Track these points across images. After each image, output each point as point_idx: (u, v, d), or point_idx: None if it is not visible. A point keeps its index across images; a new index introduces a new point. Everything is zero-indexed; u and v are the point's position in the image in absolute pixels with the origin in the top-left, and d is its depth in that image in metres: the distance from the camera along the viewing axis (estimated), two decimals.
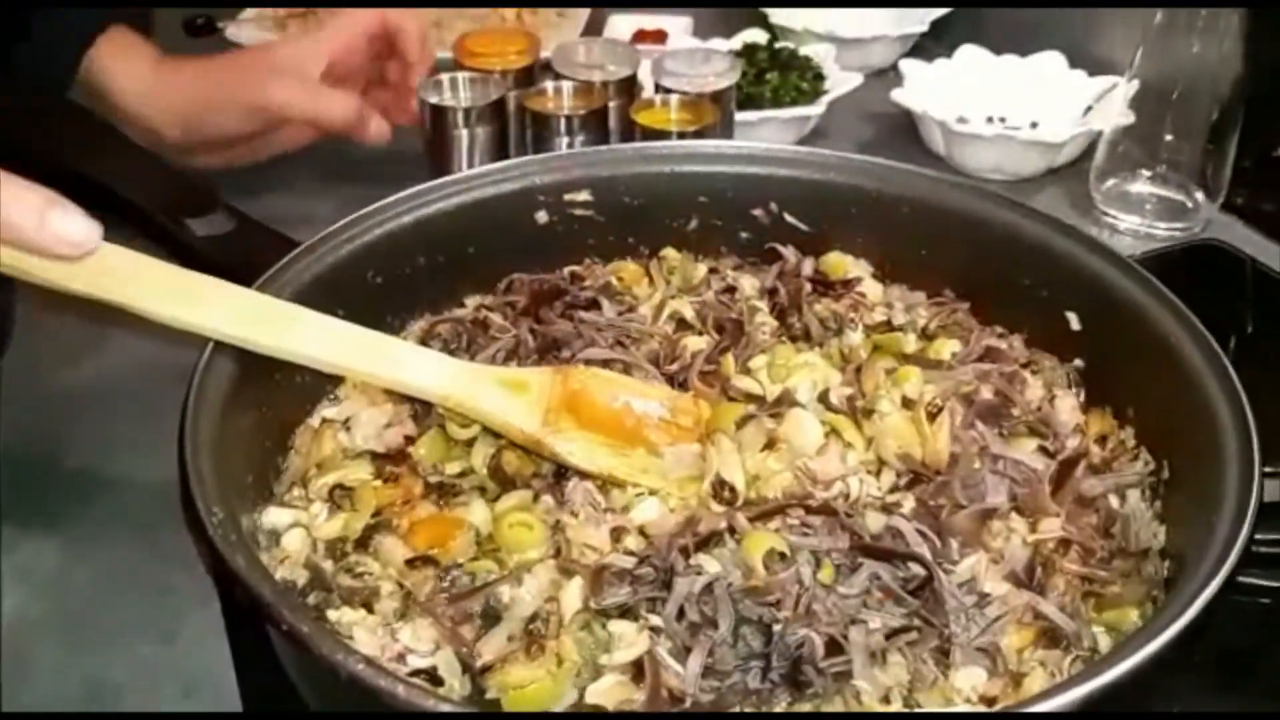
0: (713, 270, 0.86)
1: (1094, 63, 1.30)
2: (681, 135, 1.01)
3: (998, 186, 1.10)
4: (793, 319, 0.81)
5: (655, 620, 0.59)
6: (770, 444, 0.69)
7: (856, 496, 0.66)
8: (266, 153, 1.14)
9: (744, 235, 0.87)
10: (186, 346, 0.65)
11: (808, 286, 0.82)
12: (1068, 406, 0.74)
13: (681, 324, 0.80)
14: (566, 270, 0.85)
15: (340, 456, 0.71)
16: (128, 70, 1.08)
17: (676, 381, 0.75)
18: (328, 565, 0.64)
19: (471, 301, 0.83)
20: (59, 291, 0.63)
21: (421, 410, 0.73)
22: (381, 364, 0.70)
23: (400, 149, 1.15)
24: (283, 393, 0.70)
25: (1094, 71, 1.28)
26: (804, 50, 1.33)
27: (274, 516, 0.67)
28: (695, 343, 0.78)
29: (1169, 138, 1.13)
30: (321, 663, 0.48)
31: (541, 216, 0.84)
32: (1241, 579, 0.68)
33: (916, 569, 0.61)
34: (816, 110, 1.26)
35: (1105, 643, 0.61)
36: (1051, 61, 1.31)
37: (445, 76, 1.08)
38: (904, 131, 1.28)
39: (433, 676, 0.59)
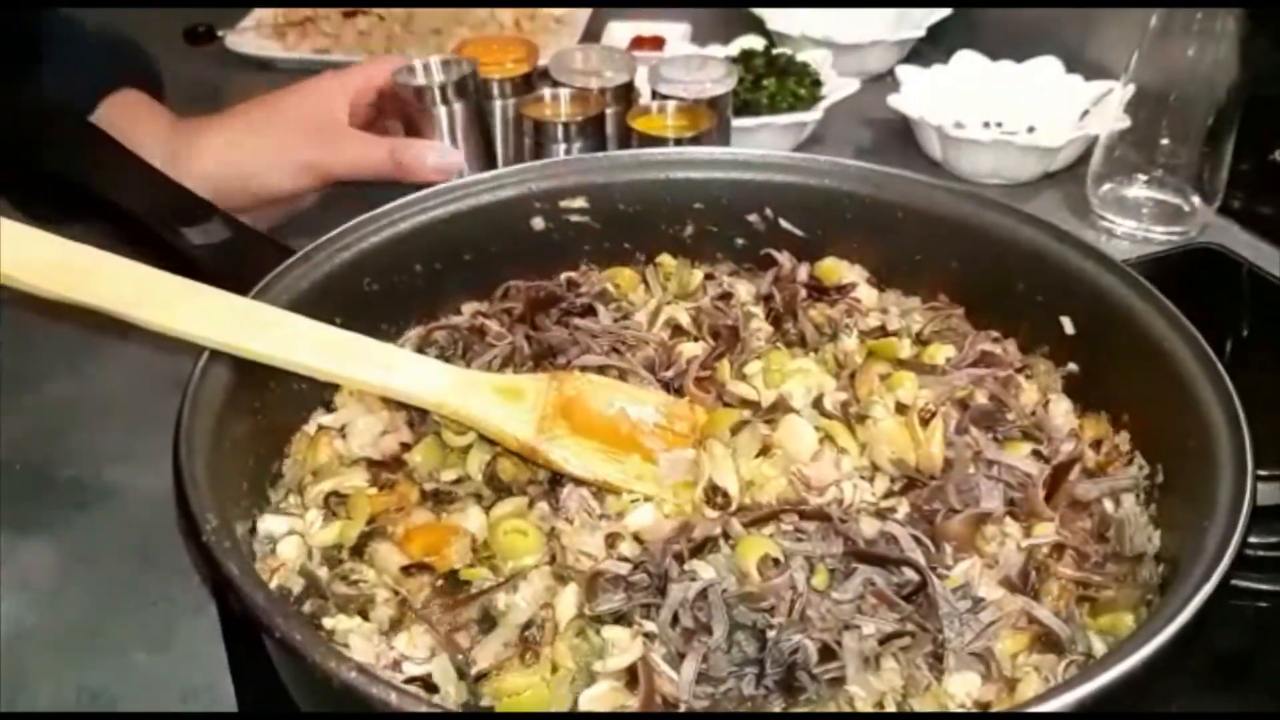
0: (708, 276, 0.86)
1: (1090, 67, 1.30)
2: (678, 141, 1.01)
3: (994, 191, 1.11)
4: (788, 325, 0.81)
5: (650, 626, 0.59)
6: (765, 450, 0.69)
7: (850, 502, 0.66)
8: (307, 202, 1.10)
9: (740, 241, 0.87)
10: (182, 355, 0.66)
11: (803, 292, 0.83)
12: (1062, 411, 0.74)
13: (677, 330, 0.81)
14: (563, 277, 0.85)
15: (336, 464, 0.71)
16: (146, 135, 1.03)
17: (672, 387, 0.75)
18: (323, 573, 0.65)
19: (468, 308, 0.83)
20: (55, 301, 0.64)
21: (417, 417, 0.73)
22: (377, 371, 0.70)
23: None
24: (278, 400, 0.70)
25: (1090, 76, 1.29)
26: (801, 56, 1.34)
27: (269, 524, 0.67)
28: (691, 349, 0.78)
29: (1165, 142, 1.13)
30: (315, 671, 0.49)
31: (538, 223, 0.84)
32: (1237, 583, 0.68)
33: (910, 574, 0.61)
34: (814, 116, 1.26)
35: (1100, 647, 0.61)
36: (1048, 66, 1.32)
37: (418, 62, 1.08)
38: (901, 137, 1.29)
39: (428, 684, 0.59)
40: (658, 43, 1.45)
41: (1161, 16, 1.09)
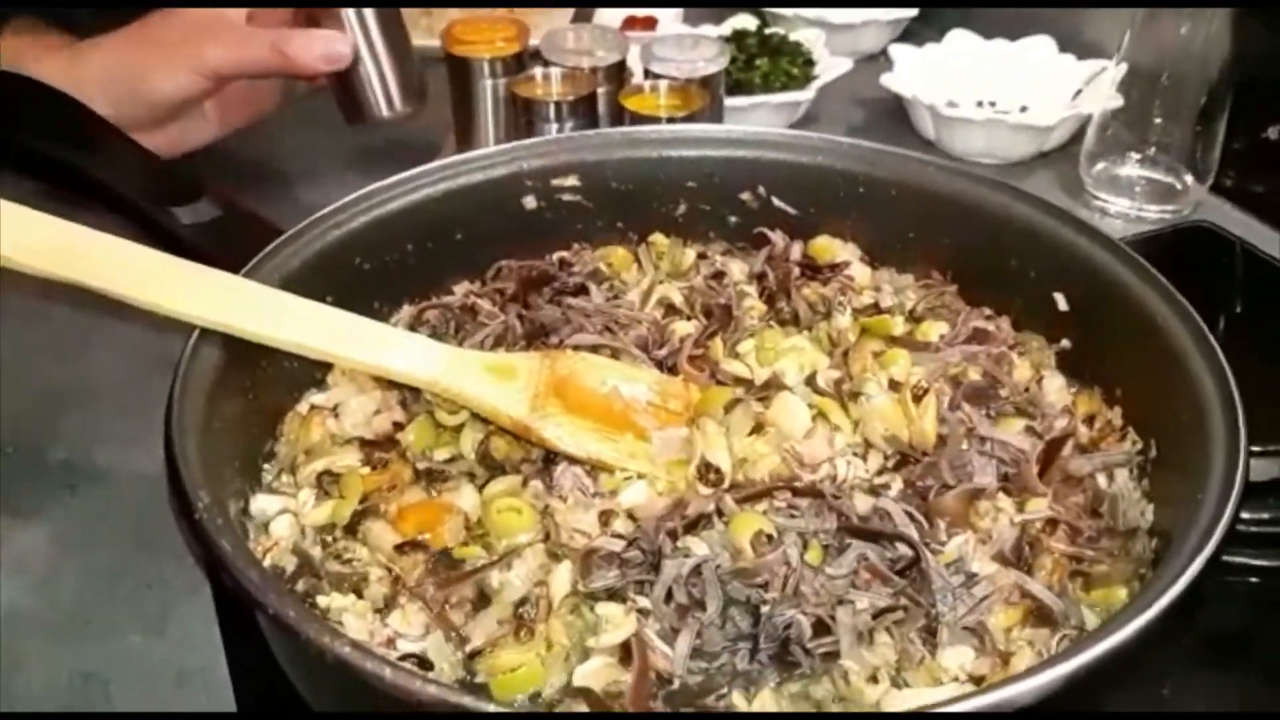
0: (701, 255, 0.86)
1: (1083, 47, 1.30)
2: (671, 121, 1.01)
3: (988, 171, 1.10)
4: (781, 303, 0.81)
5: (643, 602, 0.60)
6: (758, 427, 0.69)
7: (844, 479, 0.66)
8: (209, 133, 1.08)
9: (732, 220, 0.87)
10: (173, 337, 0.65)
11: (796, 270, 0.83)
12: (1055, 387, 0.74)
13: (670, 309, 0.81)
14: (555, 256, 0.85)
15: (329, 443, 0.71)
16: (42, 52, 1.02)
17: (665, 366, 0.75)
18: (316, 551, 0.64)
19: (460, 288, 0.83)
20: (47, 281, 0.63)
21: (410, 397, 0.73)
22: (369, 350, 0.69)
23: (390, 137, 1.14)
24: (270, 380, 0.70)
25: (1083, 55, 1.28)
26: (794, 36, 1.33)
27: (262, 503, 0.67)
28: (684, 327, 0.78)
29: (1158, 120, 1.13)
30: (309, 647, 0.48)
31: (530, 202, 0.84)
32: (1229, 558, 0.69)
33: (904, 549, 0.61)
34: (807, 95, 1.26)
35: (1093, 621, 0.61)
36: (1041, 46, 1.31)
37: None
38: (894, 116, 1.28)
39: (422, 661, 0.59)
40: (650, 23, 1.44)
41: None
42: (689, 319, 0.79)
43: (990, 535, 0.64)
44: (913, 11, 1.44)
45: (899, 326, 0.78)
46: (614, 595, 0.61)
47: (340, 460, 0.69)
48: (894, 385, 0.70)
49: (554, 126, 1.03)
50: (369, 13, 1.02)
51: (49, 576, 0.77)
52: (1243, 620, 0.75)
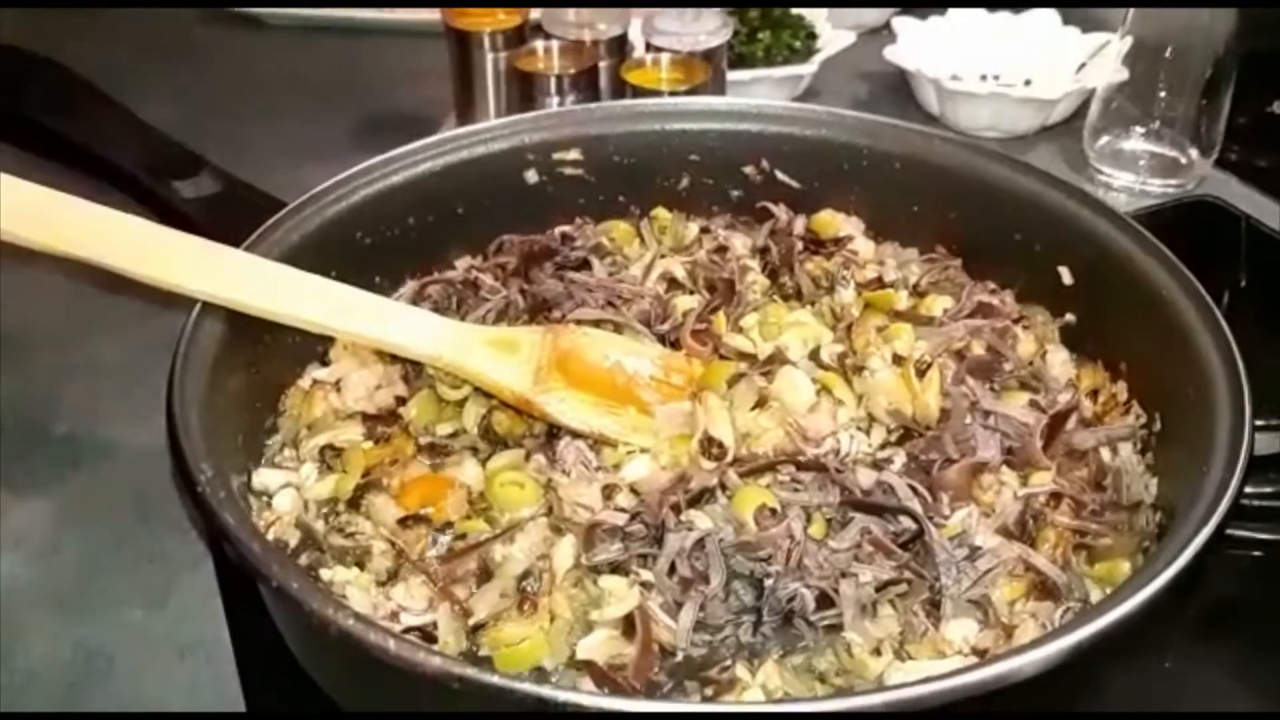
0: (704, 229, 0.86)
1: (1088, 20, 1.29)
2: (673, 94, 1.00)
3: (992, 144, 1.09)
4: (784, 277, 0.80)
5: (646, 576, 0.60)
6: (762, 402, 0.69)
7: (847, 452, 0.66)
8: None
9: (735, 194, 0.87)
10: (175, 312, 0.65)
11: (799, 245, 0.82)
12: (1059, 361, 0.74)
13: (673, 283, 0.80)
14: (557, 230, 0.84)
15: (331, 417, 0.71)
16: None
17: (668, 340, 0.75)
18: (319, 525, 0.65)
19: (461, 262, 0.83)
20: (47, 256, 0.63)
21: (412, 371, 0.73)
22: (371, 324, 0.69)
23: (393, 111, 1.14)
24: (272, 354, 0.70)
25: (1088, 28, 1.27)
26: (796, 9, 1.32)
27: (265, 477, 0.67)
28: (686, 302, 0.78)
29: (1163, 94, 1.12)
30: (313, 619, 0.48)
31: (531, 176, 0.84)
32: (1233, 532, 0.68)
33: (907, 523, 0.61)
34: (809, 69, 1.25)
35: (1097, 594, 0.61)
36: (1045, 18, 1.30)
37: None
38: (897, 90, 1.27)
39: (426, 634, 0.59)
40: None
41: None
42: (691, 293, 0.79)
43: (994, 509, 0.64)
44: None
45: (903, 301, 0.78)
46: (617, 569, 0.61)
47: (343, 435, 0.69)
48: (898, 359, 0.70)
49: (555, 100, 1.03)
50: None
51: (51, 550, 0.77)
52: (1246, 593, 0.75)
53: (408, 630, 0.58)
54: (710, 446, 0.66)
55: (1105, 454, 0.68)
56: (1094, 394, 0.72)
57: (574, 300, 0.76)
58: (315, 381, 0.73)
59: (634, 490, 0.65)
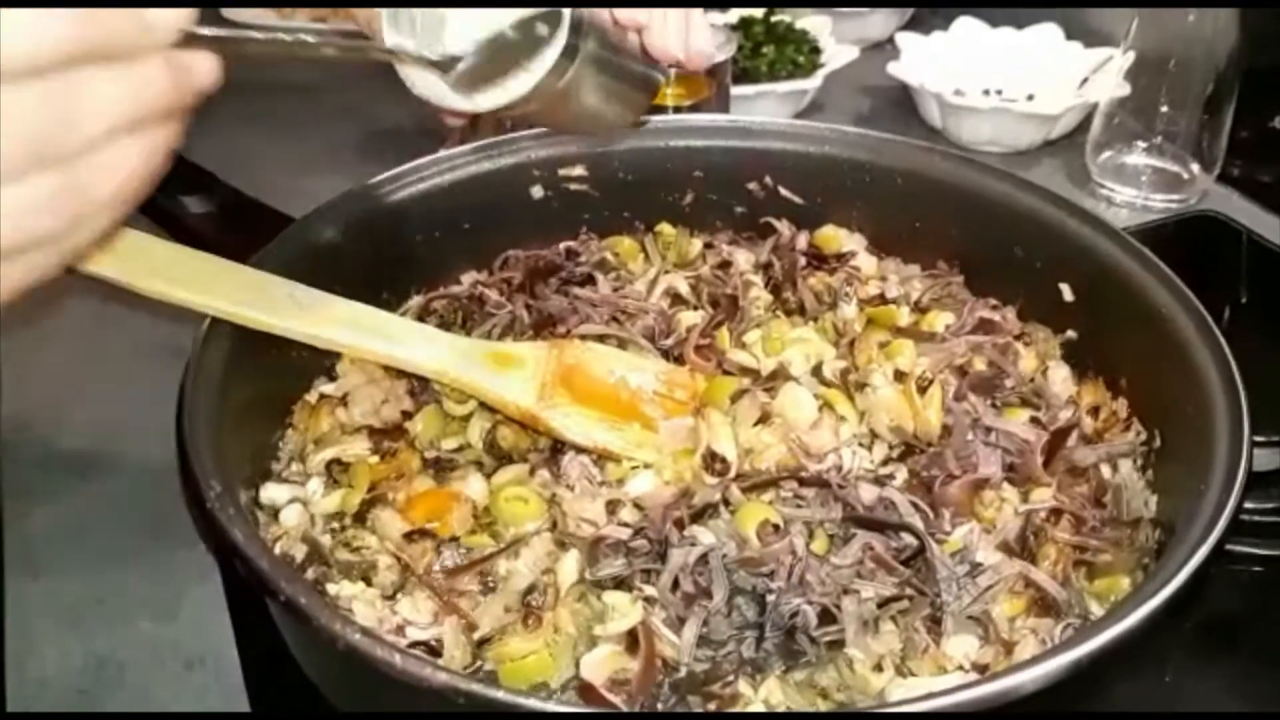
0: (708, 245, 0.86)
1: (1090, 35, 1.30)
2: (677, 110, 1.01)
3: (994, 159, 1.10)
4: (787, 293, 0.81)
5: (650, 591, 0.60)
6: (764, 417, 0.70)
7: (849, 469, 0.67)
8: None
9: (739, 209, 0.87)
10: (182, 325, 0.66)
11: (802, 260, 0.83)
12: (1060, 378, 0.74)
13: (676, 299, 0.81)
14: (562, 246, 0.85)
15: (338, 432, 0.71)
16: None
17: (672, 356, 0.76)
18: (326, 539, 0.65)
19: (467, 278, 0.83)
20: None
21: (418, 386, 0.73)
22: (378, 340, 0.70)
23: (398, 127, 1.15)
24: (280, 369, 0.71)
25: (1090, 43, 1.28)
26: (800, 23, 1.33)
27: (272, 492, 0.67)
28: (690, 317, 0.78)
29: (1165, 109, 1.13)
30: (320, 633, 0.49)
31: (537, 192, 0.84)
32: (1233, 547, 0.69)
33: (909, 539, 0.62)
34: (813, 84, 1.25)
35: (1097, 611, 0.62)
36: (1048, 34, 1.31)
37: None
38: (900, 104, 1.28)
39: (431, 648, 0.60)
40: None
41: None
42: (695, 309, 0.80)
43: (995, 525, 0.64)
44: None
45: (905, 317, 0.78)
46: (621, 584, 0.61)
47: (349, 449, 0.70)
48: (900, 376, 0.71)
49: None
50: None
51: (61, 562, 0.78)
52: (1246, 608, 0.75)
53: (414, 644, 0.59)
54: (713, 462, 0.66)
55: (1105, 470, 0.69)
56: (1095, 411, 0.73)
57: (579, 315, 0.77)
58: (322, 396, 0.73)
59: (638, 505, 0.66)
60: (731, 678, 0.57)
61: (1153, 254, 0.73)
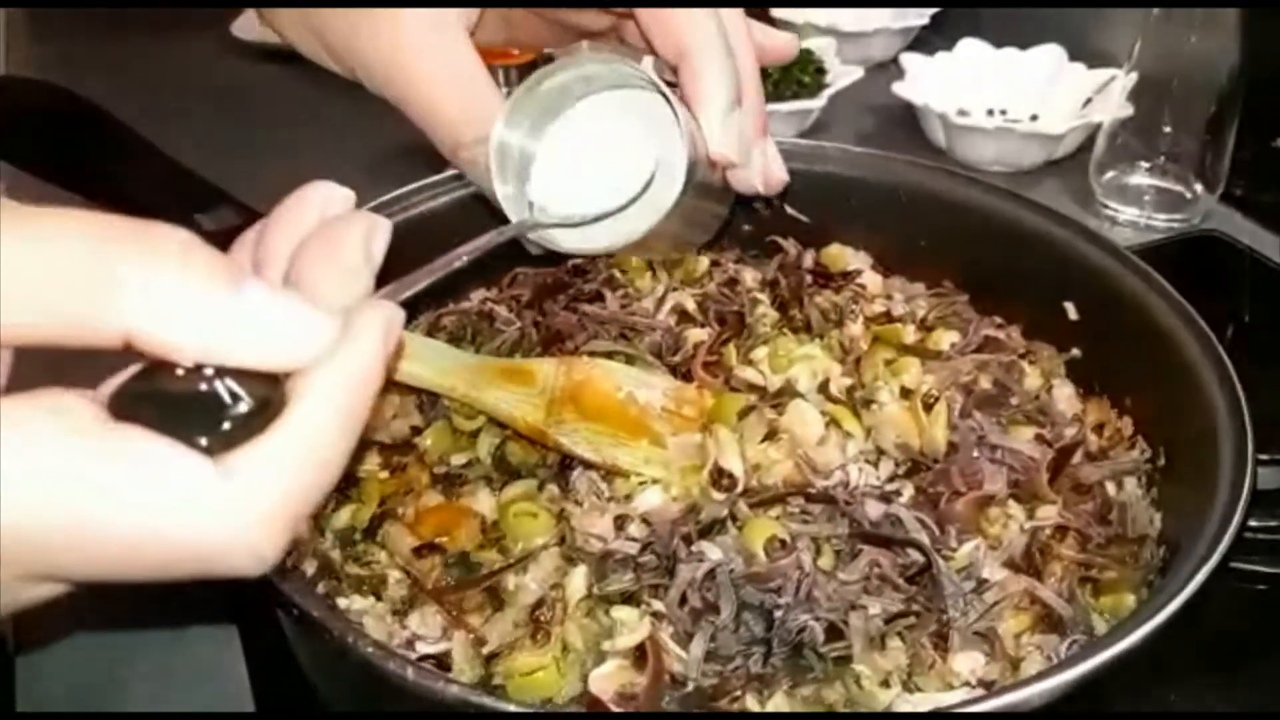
0: (714, 263, 0.87)
1: (1093, 55, 1.30)
2: None
3: (998, 178, 1.11)
4: (794, 311, 0.81)
5: (658, 606, 0.60)
6: (771, 434, 0.70)
7: (856, 485, 0.67)
8: None
9: (745, 227, 0.88)
10: None
11: (808, 279, 0.83)
12: (1065, 395, 0.75)
13: (684, 316, 0.81)
14: (570, 263, 0.85)
15: None
16: None
17: (680, 372, 0.76)
18: (336, 554, 0.65)
19: (476, 294, 0.84)
20: None
21: (427, 402, 0.74)
22: None
23: (407, 146, 1.15)
24: None
25: (1093, 64, 1.29)
26: (805, 44, 1.34)
27: None
28: (697, 334, 0.79)
29: (1168, 130, 1.13)
30: (332, 646, 0.49)
31: None
32: (1239, 565, 0.69)
33: (915, 555, 0.62)
34: (818, 103, 1.27)
35: (1102, 627, 0.62)
36: (1051, 54, 1.32)
37: None
38: (905, 124, 1.29)
39: (441, 663, 0.60)
40: None
41: (1164, 5, 1.09)
42: (702, 326, 0.80)
43: (1001, 541, 0.65)
44: (923, 20, 1.45)
45: (910, 335, 0.79)
46: (629, 598, 0.62)
47: (359, 464, 0.70)
48: (905, 393, 0.71)
49: None
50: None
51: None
52: (1251, 626, 0.76)
53: (423, 659, 0.59)
54: (721, 478, 0.67)
55: (1110, 488, 0.69)
56: (1099, 428, 0.73)
57: (587, 332, 0.78)
58: None
59: (646, 521, 0.66)
60: (739, 692, 0.58)
61: (1156, 273, 0.73)
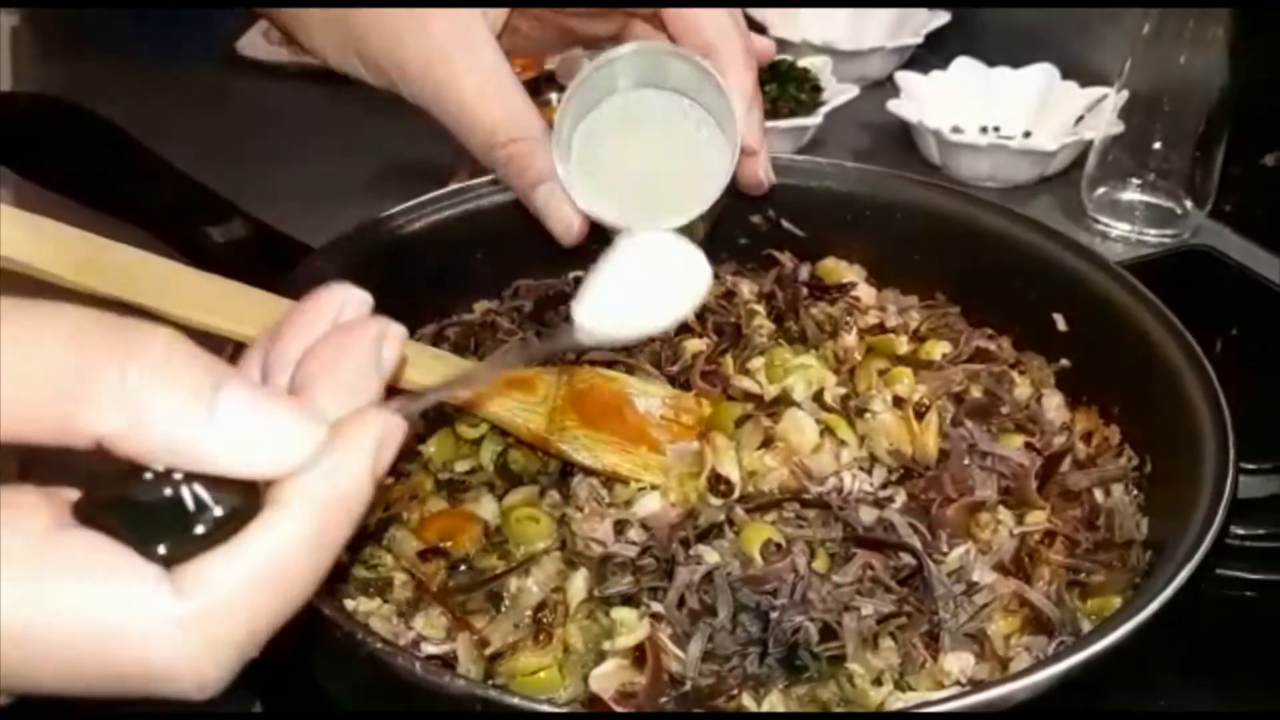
0: (713, 275, 0.88)
1: (1085, 74, 1.32)
2: None
3: (992, 194, 1.13)
4: (789, 322, 0.83)
5: (657, 608, 0.62)
6: (767, 442, 0.72)
7: (850, 491, 0.69)
8: None
9: (742, 241, 0.90)
10: (204, 349, 0.67)
11: (804, 291, 0.85)
12: (1054, 405, 0.76)
13: (682, 327, 0.83)
14: (571, 275, 0.87)
15: None
16: None
17: (678, 382, 0.78)
18: (343, 557, 0.67)
19: (479, 306, 0.86)
20: (85, 295, 0.66)
21: (431, 410, 0.75)
22: None
23: (411, 158, 1.17)
24: None
25: (1085, 82, 1.31)
26: (802, 62, 1.36)
27: None
28: (695, 344, 0.80)
29: (1158, 146, 1.15)
30: (341, 643, 0.51)
31: None
32: (1225, 572, 0.71)
33: (907, 559, 0.64)
34: (814, 121, 1.28)
35: (1089, 629, 0.63)
36: (1044, 73, 1.34)
37: None
38: (900, 141, 1.31)
39: (445, 662, 0.61)
40: None
41: (1154, 24, 1.11)
42: (700, 337, 0.82)
43: (991, 546, 0.66)
44: (918, 39, 1.47)
45: (903, 346, 0.80)
46: (628, 601, 0.63)
47: None
48: (898, 402, 0.73)
49: None
50: None
51: None
52: (1238, 634, 0.77)
53: (429, 659, 0.61)
54: (718, 484, 0.69)
55: (1098, 494, 0.71)
56: (1088, 437, 0.75)
57: None
58: None
59: (645, 525, 0.68)
60: (735, 691, 0.59)
61: (1144, 287, 0.75)
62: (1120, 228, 1.18)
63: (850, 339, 0.81)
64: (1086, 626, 0.64)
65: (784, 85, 1.31)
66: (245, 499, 0.34)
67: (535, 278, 0.86)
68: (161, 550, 0.33)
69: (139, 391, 0.33)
